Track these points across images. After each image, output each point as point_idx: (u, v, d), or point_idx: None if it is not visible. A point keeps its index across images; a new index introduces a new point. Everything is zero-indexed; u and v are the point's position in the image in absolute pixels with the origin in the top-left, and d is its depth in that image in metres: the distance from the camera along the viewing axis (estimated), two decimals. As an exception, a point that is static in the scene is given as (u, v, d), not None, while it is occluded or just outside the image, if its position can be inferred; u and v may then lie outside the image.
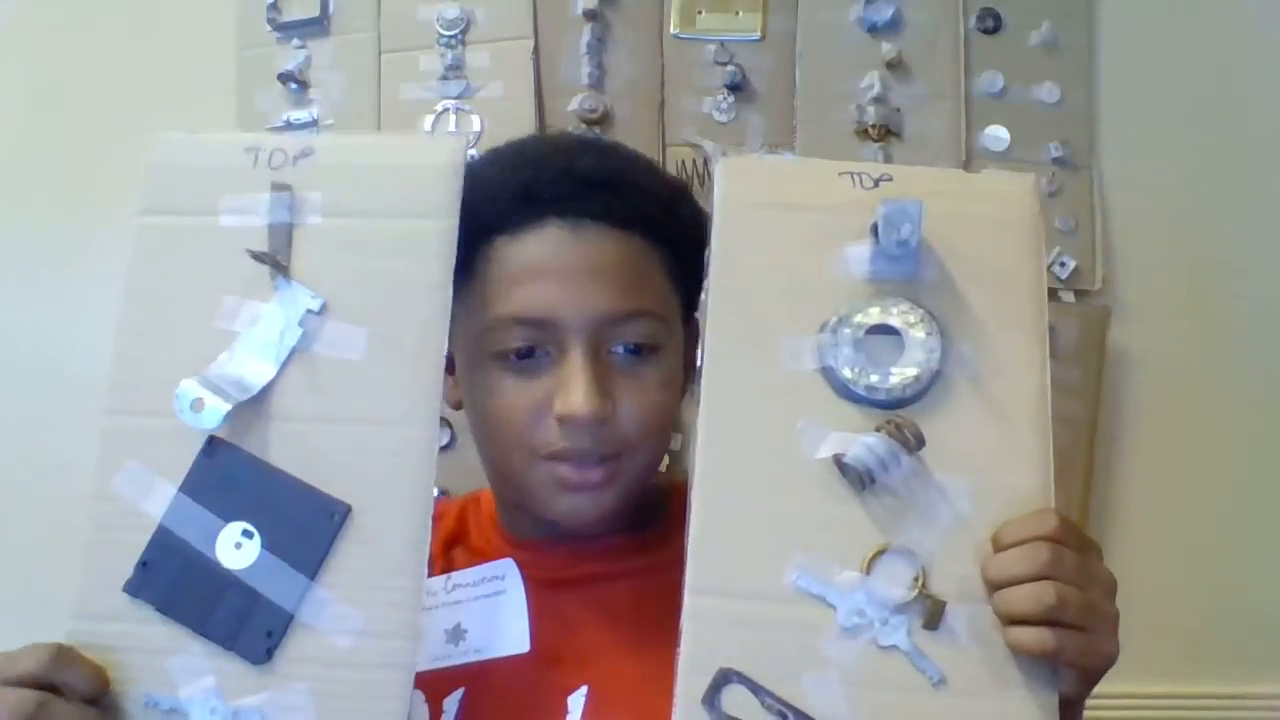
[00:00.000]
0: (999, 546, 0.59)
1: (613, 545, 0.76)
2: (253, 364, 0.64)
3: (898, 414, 0.61)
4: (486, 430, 0.73)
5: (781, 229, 0.65)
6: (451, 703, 0.71)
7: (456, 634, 0.74)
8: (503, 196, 0.71)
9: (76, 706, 0.58)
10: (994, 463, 0.61)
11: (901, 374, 0.62)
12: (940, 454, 0.61)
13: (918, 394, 0.62)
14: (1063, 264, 1.31)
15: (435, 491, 1.32)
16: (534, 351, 0.70)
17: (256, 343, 0.64)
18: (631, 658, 0.71)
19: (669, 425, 0.74)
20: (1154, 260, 1.34)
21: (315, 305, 0.64)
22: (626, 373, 0.70)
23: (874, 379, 0.61)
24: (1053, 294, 1.32)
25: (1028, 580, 0.57)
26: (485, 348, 0.71)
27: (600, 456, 0.70)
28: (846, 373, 0.62)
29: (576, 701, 0.70)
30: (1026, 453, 0.62)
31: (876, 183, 0.66)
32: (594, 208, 0.71)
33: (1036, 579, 0.57)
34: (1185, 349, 1.34)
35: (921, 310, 0.63)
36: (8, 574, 1.16)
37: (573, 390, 0.68)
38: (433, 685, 0.71)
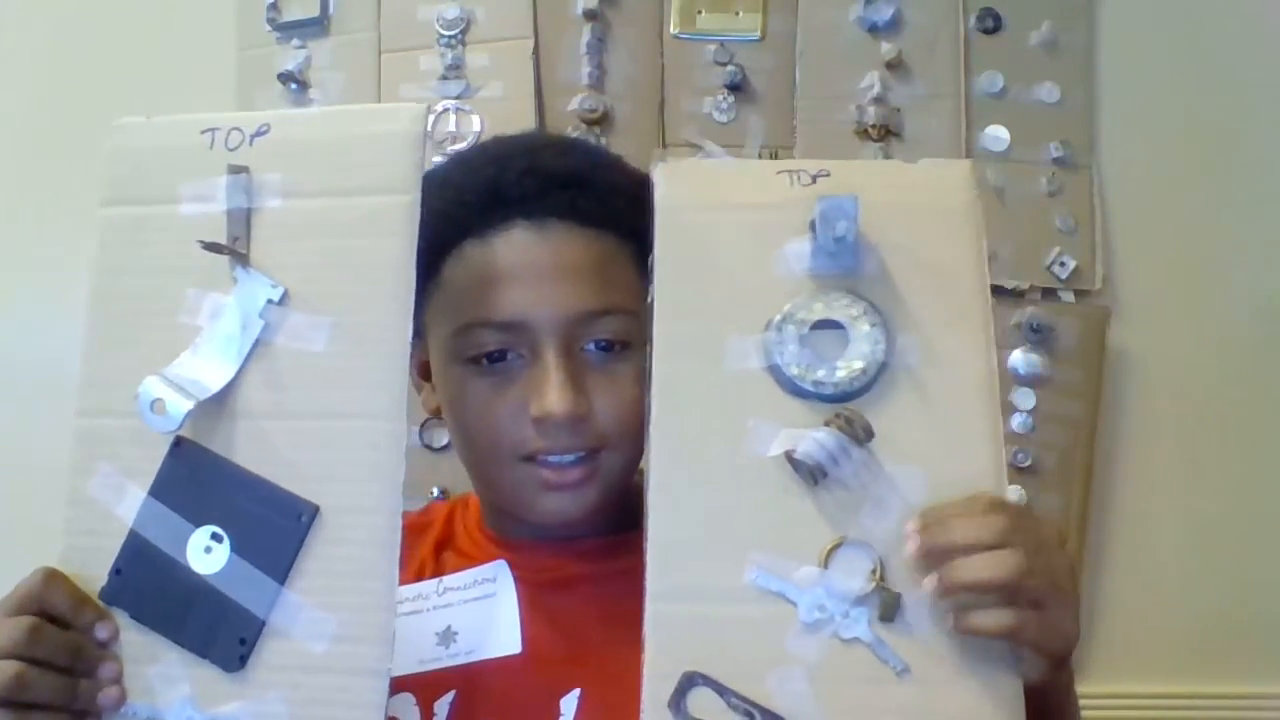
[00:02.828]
0: (940, 516, 0.57)
1: (603, 545, 0.76)
2: (214, 361, 0.62)
3: (846, 407, 0.61)
4: (464, 436, 0.73)
5: (721, 230, 0.65)
6: (442, 705, 0.71)
7: (447, 636, 0.74)
8: (468, 200, 0.71)
9: (64, 638, 0.59)
10: (944, 451, 0.61)
11: (848, 367, 0.62)
12: (890, 445, 0.61)
13: (865, 386, 0.62)
14: (1063, 264, 1.31)
15: (434, 492, 1.31)
16: (506, 354, 0.70)
17: (218, 338, 0.62)
18: (624, 658, 0.70)
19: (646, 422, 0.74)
20: (1154, 260, 1.34)
21: (275, 295, 0.62)
22: (600, 370, 0.71)
23: (820, 374, 0.62)
24: (1053, 294, 1.32)
25: (985, 548, 0.56)
26: (458, 353, 0.71)
27: (578, 455, 0.70)
28: (793, 369, 0.62)
29: (569, 703, 0.70)
30: (975, 440, 0.62)
31: (814, 179, 0.66)
32: (559, 207, 0.70)
33: (994, 547, 0.56)
34: (1185, 349, 1.34)
35: (864, 303, 0.63)
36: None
37: (547, 391, 0.68)
38: (424, 688, 0.71)
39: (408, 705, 0.71)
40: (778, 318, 0.63)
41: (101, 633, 0.61)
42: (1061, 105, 1.33)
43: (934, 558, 0.57)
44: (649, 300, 0.64)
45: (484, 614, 0.74)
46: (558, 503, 0.72)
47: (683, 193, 0.66)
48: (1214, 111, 1.35)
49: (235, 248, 0.62)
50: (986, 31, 1.34)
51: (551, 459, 0.70)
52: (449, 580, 0.77)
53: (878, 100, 1.30)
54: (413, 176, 0.63)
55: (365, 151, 0.64)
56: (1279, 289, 1.35)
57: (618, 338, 0.71)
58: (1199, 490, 1.33)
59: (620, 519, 0.77)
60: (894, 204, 0.65)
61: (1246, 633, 1.33)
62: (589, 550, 0.76)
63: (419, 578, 0.77)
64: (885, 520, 0.60)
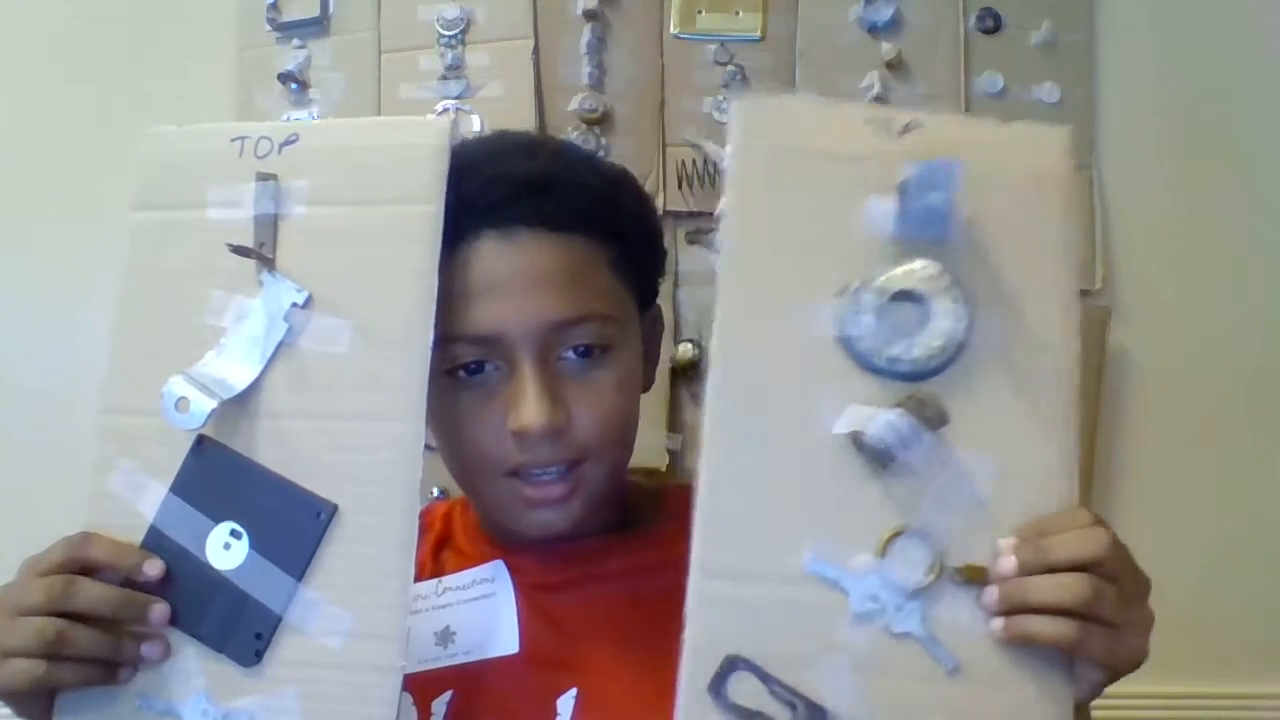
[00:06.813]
0: (1038, 532, 0.56)
1: (602, 547, 0.76)
2: (238, 361, 0.63)
3: (920, 388, 0.57)
4: (448, 449, 0.73)
5: (800, 179, 0.60)
6: (440, 705, 0.71)
7: (445, 636, 0.74)
8: None
9: (103, 589, 0.60)
10: (1017, 440, 0.57)
11: (927, 345, 0.58)
12: (962, 430, 0.57)
13: (941, 366, 0.58)
14: (1063, 264, 1.31)
15: (435, 492, 1.32)
16: (484, 366, 0.69)
17: (243, 339, 0.64)
18: (621, 659, 0.71)
19: (630, 425, 0.73)
20: (1154, 260, 1.34)
21: (300, 299, 0.64)
22: (579, 378, 0.70)
23: (896, 350, 0.58)
24: (1053, 294, 1.32)
25: (1063, 569, 0.54)
26: (436, 365, 0.71)
27: (560, 468, 0.70)
28: (867, 343, 0.58)
29: (566, 703, 0.70)
30: (1051, 429, 0.58)
31: (905, 130, 0.61)
32: (527, 214, 0.69)
33: (1073, 568, 0.54)
34: (1185, 349, 1.33)
35: (949, 276, 0.58)
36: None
37: (524, 404, 0.67)
38: (421, 687, 0.71)
39: (405, 704, 0.71)
40: (855, 284, 0.59)
41: (152, 570, 0.61)
42: (1061, 105, 1.33)
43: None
44: (713, 253, 0.61)
45: (482, 614, 0.74)
46: (542, 518, 0.71)
47: (762, 128, 0.61)
48: (1214, 111, 1.35)
49: (262, 252, 0.64)
50: (986, 31, 1.34)
51: (534, 473, 0.70)
52: (448, 580, 0.77)
53: (878, 100, 1.30)
54: (436, 187, 0.64)
55: (391, 162, 0.65)
56: (1278, 289, 1.35)
57: (596, 342, 0.70)
58: (1199, 490, 1.33)
59: (623, 520, 0.77)
60: (988, 168, 0.60)
61: (1246, 633, 1.32)
62: (585, 552, 0.76)
63: (419, 578, 0.77)
64: (950, 511, 0.57)
